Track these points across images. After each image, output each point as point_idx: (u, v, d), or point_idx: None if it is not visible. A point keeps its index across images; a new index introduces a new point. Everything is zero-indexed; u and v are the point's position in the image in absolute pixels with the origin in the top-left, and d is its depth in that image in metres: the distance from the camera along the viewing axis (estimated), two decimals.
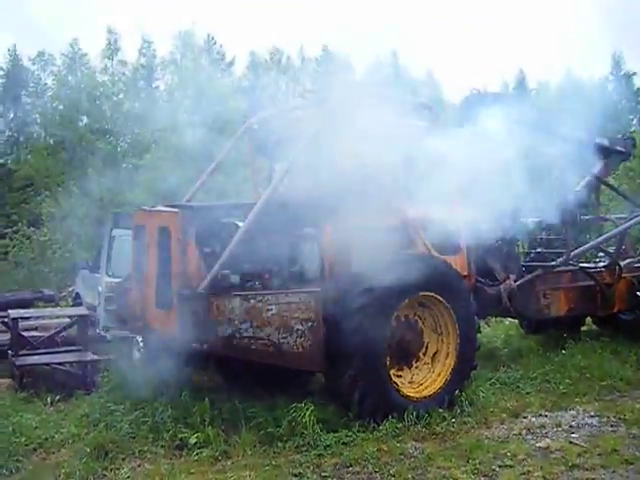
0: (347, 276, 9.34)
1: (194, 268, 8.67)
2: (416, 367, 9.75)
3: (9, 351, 12.00)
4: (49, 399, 10.26)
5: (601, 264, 14.21)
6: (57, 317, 14.19)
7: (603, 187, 16.25)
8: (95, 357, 11.80)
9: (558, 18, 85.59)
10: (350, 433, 8.37)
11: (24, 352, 11.84)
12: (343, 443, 8.16)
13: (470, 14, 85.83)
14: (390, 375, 9.14)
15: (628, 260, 14.26)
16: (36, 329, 13.35)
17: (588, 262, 14.44)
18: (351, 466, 7.57)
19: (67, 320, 13.23)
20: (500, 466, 7.50)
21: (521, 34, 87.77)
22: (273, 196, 9.28)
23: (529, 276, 12.50)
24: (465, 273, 10.63)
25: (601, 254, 14.74)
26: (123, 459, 7.89)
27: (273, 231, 9.55)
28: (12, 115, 52.21)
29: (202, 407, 8.74)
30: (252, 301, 8.35)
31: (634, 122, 51.05)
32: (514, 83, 62.11)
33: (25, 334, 12.48)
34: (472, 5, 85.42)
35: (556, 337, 13.70)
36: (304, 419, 8.30)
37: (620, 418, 9.25)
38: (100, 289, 13.54)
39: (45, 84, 51.72)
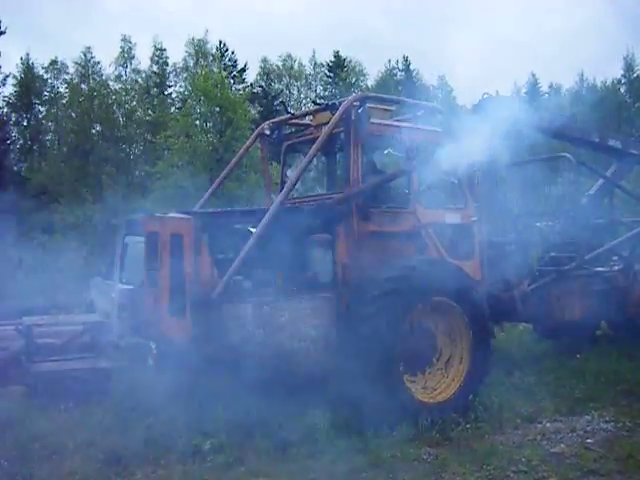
0: (360, 282, 9.33)
1: (207, 274, 8.68)
2: (430, 372, 9.72)
3: (23, 358, 12.03)
4: (63, 406, 10.26)
5: (615, 268, 14.13)
6: (71, 324, 14.20)
7: (617, 190, 16.19)
8: (109, 364, 11.80)
9: (569, 22, 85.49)
10: (364, 439, 8.35)
11: (38, 359, 11.85)
12: (357, 449, 8.14)
13: (482, 18, 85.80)
14: (404, 380, 9.12)
15: None
16: (50, 336, 13.37)
17: (603, 266, 14.37)
18: (365, 472, 7.54)
19: (81, 327, 13.25)
20: (515, 472, 7.45)
21: (533, 38, 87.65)
22: (286, 201, 9.30)
23: (543, 280, 12.45)
24: (478, 278, 10.60)
25: (615, 258, 14.65)
26: (137, 466, 7.87)
27: (286, 236, 9.58)
28: (26, 123, 52.53)
29: (215, 413, 8.74)
30: (265, 307, 8.35)
31: None
32: (526, 87, 62.08)
33: (39, 341, 12.50)
34: (484, 9, 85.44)
35: (570, 342, 13.63)
36: (318, 425, 8.29)
37: (636, 423, 9.19)
38: (113, 296, 13.55)
39: (58, 92, 51.99)
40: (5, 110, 51.70)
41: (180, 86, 55.05)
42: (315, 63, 63.40)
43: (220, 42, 58.79)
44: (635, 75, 53.15)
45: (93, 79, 49.22)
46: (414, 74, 64.16)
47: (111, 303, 13.70)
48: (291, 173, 10.88)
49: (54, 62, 51.95)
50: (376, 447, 8.16)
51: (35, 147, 51.85)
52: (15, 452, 8.14)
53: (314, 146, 9.59)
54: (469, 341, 9.69)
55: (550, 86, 61.52)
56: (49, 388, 11.06)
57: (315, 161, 10.72)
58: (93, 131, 43.47)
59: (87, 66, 50.39)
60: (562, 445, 8.40)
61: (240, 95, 37.63)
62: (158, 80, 54.93)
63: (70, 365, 11.68)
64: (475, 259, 10.72)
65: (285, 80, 62.85)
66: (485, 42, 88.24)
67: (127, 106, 44.77)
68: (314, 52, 63.74)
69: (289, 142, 11.50)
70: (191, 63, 56.13)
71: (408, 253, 9.92)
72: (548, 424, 9.30)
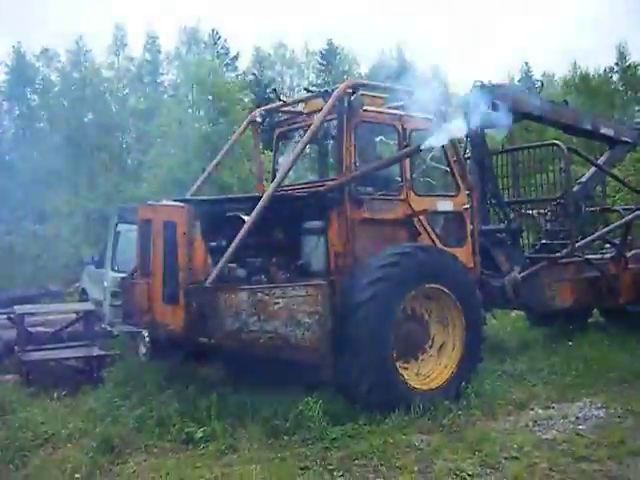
0: (353, 268, 9.35)
1: (200, 262, 8.66)
2: (422, 359, 9.75)
3: (15, 347, 12.03)
4: (55, 394, 10.25)
5: (607, 255, 14.17)
6: (63, 313, 14.22)
7: (609, 178, 16.22)
8: (101, 352, 11.81)
9: (563, 10, 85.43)
10: (356, 426, 8.36)
11: (30, 348, 11.86)
12: (349, 436, 8.14)
13: (476, 6, 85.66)
14: (397, 367, 9.14)
15: (634, 251, 14.22)
16: (42, 325, 13.38)
17: (595, 253, 14.42)
18: (357, 459, 7.55)
19: (73, 316, 13.26)
20: (506, 458, 7.47)
21: (526, 26, 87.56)
22: (278, 189, 9.29)
23: (534, 268, 12.46)
24: (470, 265, 10.63)
25: (607, 245, 14.70)
26: (129, 454, 7.89)
27: (279, 224, 9.58)
28: (17, 112, 52.32)
29: (208, 401, 8.73)
30: (259, 294, 8.33)
31: None
32: (519, 75, 62.06)
33: (31, 330, 12.50)
34: None
35: (563, 329, 13.68)
36: (310, 412, 8.30)
37: (627, 409, 9.21)
38: (106, 284, 13.55)
39: (50, 80, 51.78)
40: None
41: (172, 74, 54.92)
42: (308, 51, 63.31)
43: (213, 30, 58.65)
44: (628, 63, 53.03)
45: (85, 67, 49.03)
46: (407, 62, 64.01)
47: (103, 291, 13.72)
48: (283, 160, 10.86)
49: (46, 50, 51.76)
50: (368, 434, 8.18)
51: (27, 135, 51.63)
52: (8, 440, 8.13)
53: (307, 134, 9.58)
54: (462, 328, 9.73)
55: (543, 75, 61.49)
56: (41, 376, 11.09)
57: (307, 148, 10.69)
58: (85, 119, 43.25)
59: (79, 54, 50.20)
60: (554, 431, 8.43)
61: (234, 83, 37.50)
62: (151, 68, 54.77)
63: (62, 353, 11.72)
64: (467, 246, 10.75)
65: (278, 68, 62.72)
66: (478, 30, 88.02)
67: (119, 94, 44.59)
68: (306, 40, 63.70)
69: (281, 129, 11.49)
70: (184, 51, 55.98)
71: (401, 240, 9.94)
72: (540, 411, 9.33)
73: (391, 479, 7.13)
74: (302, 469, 7.32)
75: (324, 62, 62.59)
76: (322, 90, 10.30)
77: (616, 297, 13.60)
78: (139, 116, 44.37)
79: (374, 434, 8.16)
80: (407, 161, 10.14)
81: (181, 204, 9.06)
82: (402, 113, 10.42)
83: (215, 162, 12.15)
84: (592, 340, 12.59)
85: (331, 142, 11.08)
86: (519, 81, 59.96)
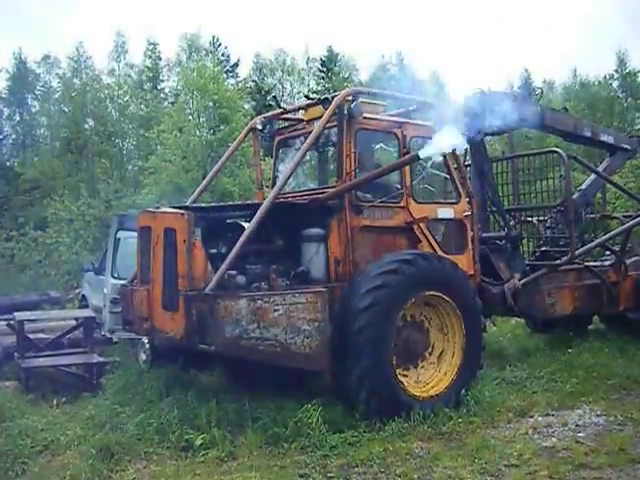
0: (353, 276, 9.36)
1: (200, 269, 8.65)
2: (422, 367, 9.75)
3: (15, 353, 12.03)
4: (55, 401, 10.25)
5: (607, 262, 14.18)
6: (63, 319, 14.22)
7: (609, 185, 16.23)
8: (101, 359, 11.81)
9: (562, 17, 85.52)
10: (356, 433, 8.36)
11: (30, 354, 11.86)
12: (349, 443, 8.13)
13: (476, 13, 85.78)
14: (396, 375, 9.14)
15: (634, 258, 14.22)
16: (42, 331, 13.39)
17: (595, 260, 14.41)
18: (357, 466, 7.54)
19: (73, 322, 13.25)
20: (506, 466, 7.46)
21: (526, 33, 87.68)
22: (278, 196, 9.31)
23: (534, 275, 12.47)
24: (470, 272, 10.63)
25: (607, 252, 14.70)
26: (129, 461, 7.87)
27: (279, 231, 9.58)
28: (18, 118, 52.41)
29: (208, 408, 8.73)
30: (259, 302, 8.33)
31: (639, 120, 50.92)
32: (519, 83, 62.07)
33: (31, 336, 12.50)
34: (478, 4, 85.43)
35: (562, 336, 13.67)
36: (310, 420, 8.29)
37: (627, 417, 9.20)
38: (106, 291, 13.55)
39: (51, 87, 51.91)
40: None
41: (173, 81, 54.96)
42: (308, 58, 63.33)
43: (213, 37, 58.69)
44: (627, 70, 53.11)
45: (86, 74, 49.10)
46: (407, 68, 64.01)
47: (103, 298, 13.72)
48: (283, 168, 10.87)
49: (47, 57, 51.90)
50: (368, 442, 8.18)
51: (28, 142, 51.74)
52: (7, 447, 8.11)
53: (307, 141, 9.61)
54: (462, 335, 9.73)
55: (543, 81, 61.55)
56: (41, 383, 11.09)
57: (307, 155, 10.71)
58: (86, 126, 43.24)
59: (80, 60, 50.28)
60: (554, 439, 8.41)
61: (238, 91, 37.46)
62: (151, 75, 54.81)
63: (62, 360, 11.72)
64: (467, 253, 10.76)
65: (278, 75, 62.75)
66: (478, 37, 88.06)
67: (120, 101, 44.60)
68: (307, 46, 63.72)
69: (281, 137, 11.51)
70: (184, 58, 56.05)
71: (401, 247, 9.96)
72: (540, 418, 9.31)
73: None
74: (302, 476, 7.32)
75: (324, 69, 62.57)
76: (322, 97, 10.31)
77: (616, 304, 13.60)
78: (139, 123, 44.37)
79: (374, 442, 8.16)
80: (407, 168, 10.16)
81: (181, 211, 9.05)
82: (402, 120, 10.45)
83: (215, 169, 12.17)
84: (592, 347, 12.61)
85: (331, 149, 11.11)
86: (519, 88, 60.01)
